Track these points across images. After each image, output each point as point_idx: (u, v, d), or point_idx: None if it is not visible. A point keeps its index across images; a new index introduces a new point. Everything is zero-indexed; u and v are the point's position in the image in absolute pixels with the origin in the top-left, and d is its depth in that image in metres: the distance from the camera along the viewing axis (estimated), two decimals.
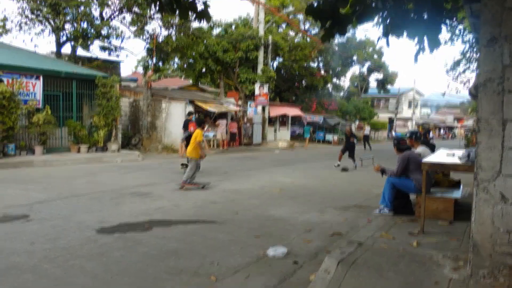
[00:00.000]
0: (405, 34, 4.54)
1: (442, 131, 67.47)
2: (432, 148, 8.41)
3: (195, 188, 9.59)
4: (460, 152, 6.21)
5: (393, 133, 48.10)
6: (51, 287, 3.91)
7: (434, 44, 4.29)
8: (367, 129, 32.03)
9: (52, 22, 19.92)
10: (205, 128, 10.74)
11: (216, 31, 29.39)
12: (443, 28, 5.70)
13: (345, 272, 4.08)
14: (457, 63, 19.12)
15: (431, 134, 31.35)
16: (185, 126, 17.14)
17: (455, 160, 5.85)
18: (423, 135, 18.03)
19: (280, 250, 5.08)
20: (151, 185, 9.82)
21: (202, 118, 11.45)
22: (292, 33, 34.52)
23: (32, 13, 19.48)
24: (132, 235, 5.68)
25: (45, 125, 14.15)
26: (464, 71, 19.19)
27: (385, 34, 4.64)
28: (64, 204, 7.50)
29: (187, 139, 12.57)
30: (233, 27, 31.10)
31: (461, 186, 7.55)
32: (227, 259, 4.85)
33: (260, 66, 27.82)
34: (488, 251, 3.66)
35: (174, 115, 20.27)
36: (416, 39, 4.49)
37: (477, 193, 3.69)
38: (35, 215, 6.59)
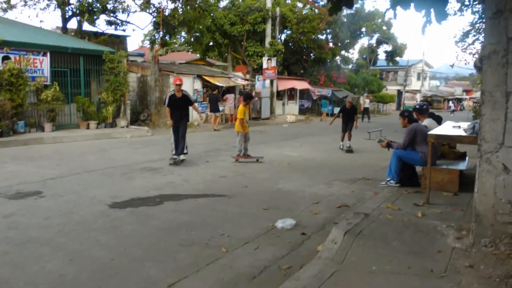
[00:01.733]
0: (412, 6, 4.52)
1: (450, 103, 66.77)
2: (439, 121, 8.40)
3: (249, 160, 10.04)
4: (466, 125, 6.24)
5: (401, 106, 47.73)
6: (68, 259, 4.08)
7: (441, 16, 4.27)
8: (367, 102, 31.99)
9: None
10: (249, 104, 10.62)
11: (223, 3, 29.05)
12: None
13: (351, 242, 4.20)
14: (466, 34, 18.80)
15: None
16: (212, 100, 18.00)
17: (461, 132, 5.89)
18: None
19: (288, 222, 5.21)
20: (161, 160, 9.96)
21: (250, 93, 11.47)
22: (300, 5, 34.00)
23: None
24: (144, 209, 5.84)
25: (53, 102, 14.27)
26: (473, 42, 18.89)
27: (393, 6, 4.62)
28: (76, 180, 7.68)
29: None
30: None
31: (467, 158, 7.60)
32: (237, 231, 5.00)
33: (267, 39, 27.56)
34: (490, 221, 3.75)
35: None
36: (423, 12, 4.47)
37: (480, 164, 3.75)
38: (48, 191, 6.77)
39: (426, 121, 7.56)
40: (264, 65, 26.73)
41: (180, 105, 9.46)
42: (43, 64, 14.55)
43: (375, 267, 3.67)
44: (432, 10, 4.38)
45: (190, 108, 9.85)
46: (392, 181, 7.05)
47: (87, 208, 5.85)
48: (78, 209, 5.82)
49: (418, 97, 56.90)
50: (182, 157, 9.58)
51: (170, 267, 3.96)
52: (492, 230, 3.77)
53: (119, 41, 23.03)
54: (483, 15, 15.29)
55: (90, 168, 8.88)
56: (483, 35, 17.47)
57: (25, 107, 13.65)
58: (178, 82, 9.53)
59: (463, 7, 16.13)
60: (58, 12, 20.88)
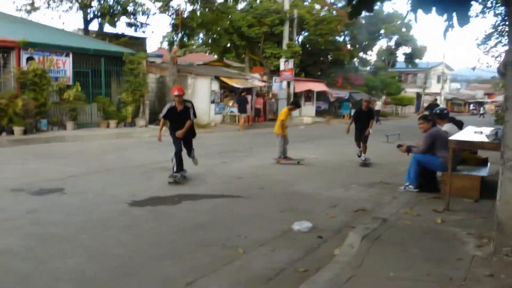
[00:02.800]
0: (433, 9, 4.48)
1: (471, 106, 65.67)
2: (460, 126, 8.29)
3: (289, 163, 10.03)
4: (487, 130, 6.15)
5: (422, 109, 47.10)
6: (88, 256, 4.16)
7: (464, 21, 4.22)
8: (378, 104, 31.84)
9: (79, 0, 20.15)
10: (293, 110, 10.80)
11: (241, 5, 29.13)
12: (474, 1, 5.57)
13: (369, 247, 4.19)
14: (488, 37, 18.45)
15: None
16: (240, 102, 19.96)
17: (482, 138, 5.81)
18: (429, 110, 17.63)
19: (305, 225, 5.21)
20: None
21: (298, 101, 11.31)
22: (318, 7, 33.88)
23: None
24: (163, 208, 5.91)
25: (75, 101, 14.55)
26: (495, 45, 18.53)
27: (413, 9, 4.58)
28: (97, 178, 7.81)
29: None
30: (258, 1, 30.73)
31: (489, 164, 7.49)
32: (254, 232, 5.02)
33: (285, 41, 27.55)
34: None
35: (199, 91, 20.45)
36: (445, 16, 4.43)
37: (503, 172, 3.71)
38: (70, 189, 6.90)
39: (447, 126, 7.47)
40: (281, 67, 26.71)
41: (181, 119, 7.69)
42: (65, 65, 14.84)
43: (392, 273, 3.65)
44: (454, 14, 4.34)
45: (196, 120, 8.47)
46: (411, 186, 6.98)
47: (107, 206, 5.94)
48: (99, 207, 5.92)
49: (438, 100, 56.08)
50: (178, 176, 7.71)
51: (188, 266, 4.01)
52: None
53: (138, 43, 23.31)
54: (505, 18, 15.03)
55: (110, 166, 9.01)
56: (505, 37, 17.19)
57: (48, 106, 13.94)
58: (177, 93, 7.55)
59: (485, 9, 15.85)
60: (80, 14, 21.28)
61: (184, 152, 8.01)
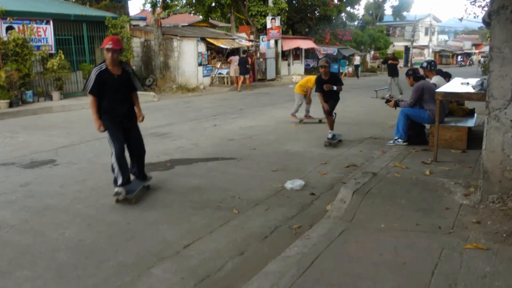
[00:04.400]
0: None
1: (459, 58, 65.48)
2: (448, 77, 8.32)
3: (311, 121, 10.31)
4: (474, 81, 6.19)
5: (410, 63, 46.95)
6: (86, 224, 4.23)
7: None
8: (357, 59, 31.78)
9: None
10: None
11: None
12: None
13: (360, 201, 4.29)
14: None
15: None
16: (241, 63, 20.02)
17: (469, 89, 5.85)
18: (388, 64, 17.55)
19: (297, 183, 5.30)
20: (169, 125, 10.04)
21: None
22: None
23: None
24: (156, 174, 5.94)
25: (60, 70, 14.24)
26: None
27: None
28: (88, 148, 7.79)
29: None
30: None
31: (475, 115, 7.58)
32: (247, 193, 5.11)
33: None
34: (498, 177, 3.80)
35: (186, 54, 20.12)
36: None
37: (488, 121, 3.77)
38: (61, 160, 6.90)
39: (435, 79, 7.50)
40: (268, 25, 26.23)
41: (121, 90, 4.89)
42: (46, 33, 14.43)
43: (383, 225, 3.77)
44: None
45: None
46: (399, 140, 7.07)
47: (100, 175, 5.97)
48: (92, 176, 5.95)
49: (426, 52, 55.86)
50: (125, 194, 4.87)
51: (184, 229, 4.10)
52: (499, 186, 3.82)
53: (120, 6, 22.57)
54: None
55: (100, 135, 8.84)
56: None
57: (32, 77, 13.66)
58: (109, 46, 4.71)
59: None
60: None
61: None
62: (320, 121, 10.23)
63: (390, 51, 19.42)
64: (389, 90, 16.73)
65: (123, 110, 4.91)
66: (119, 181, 4.80)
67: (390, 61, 17.29)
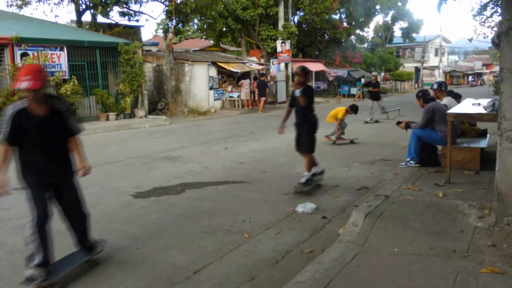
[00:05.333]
0: None
1: (470, 78, 65.30)
2: (458, 98, 8.28)
3: (344, 142, 10.54)
4: (485, 102, 6.14)
5: (420, 84, 46.86)
6: None
7: None
8: (361, 80, 31.72)
9: None
10: (349, 114, 10.85)
11: None
12: None
13: (372, 224, 4.23)
14: (484, 7, 18.25)
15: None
16: (260, 86, 20.88)
17: (480, 110, 5.81)
18: (368, 86, 17.06)
19: (308, 206, 5.26)
20: (180, 149, 10.09)
21: (357, 107, 10.96)
22: None
23: None
24: (166, 198, 5.95)
25: (73, 96, 14.47)
26: (491, 15, 18.33)
27: None
28: (100, 171, 7.84)
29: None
30: None
31: (488, 135, 7.49)
32: (258, 217, 5.07)
33: (281, 22, 27.29)
34: None
35: (197, 78, 20.37)
36: None
37: (501, 142, 3.72)
38: None
39: (446, 100, 7.46)
40: (278, 49, 26.52)
41: (45, 135, 3.63)
42: (60, 59, 14.74)
43: (396, 249, 3.70)
44: None
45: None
46: (412, 162, 7.01)
47: (111, 199, 5.99)
48: (103, 199, 5.97)
49: (437, 73, 55.82)
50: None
51: (194, 254, 4.07)
52: None
53: (133, 32, 23.14)
54: None
55: (112, 159, 9.05)
56: (501, 7, 16.96)
57: None
58: (26, 85, 3.35)
59: None
60: (72, 6, 21.04)
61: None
62: (351, 141, 10.51)
63: (374, 73, 18.81)
64: (370, 114, 15.71)
65: (51, 163, 3.66)
66: (36, 260, 3.49)
67: (370, 88, 16.79)
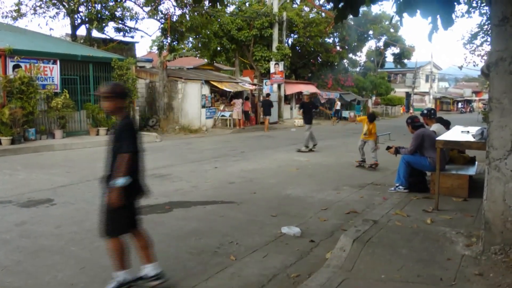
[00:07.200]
0: (418, 12, 4.52)
1: (460, 104, 66.26)
2: (448, 125, 8.37)
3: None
4: (474, 129, 6.21)
5: (411, 109, 47.40)
6: (79, 268, 4.13)
7: (448, 23, 4.26)
8: (338, 104, 32.10)
9: (66, 5, 20.05)
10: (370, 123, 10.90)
11: (230, 9, 29.16)
12: (457, 3, 5.62)
13: (360, 250, 4.20)
14: (474, 36, 18.70)
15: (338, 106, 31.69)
16: (265, 105, 21.59)
17: (469, 137, 5.87)
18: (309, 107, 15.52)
19: (294, 231, 5.21)
20: (170, 167, 10.03)
21: (375, 115, 11.12)
22: (306, 9, 34.03)
23: None
24: (153, 217, 5.88)
25: (63, 109, 14.42)
26: (481, 44, 18.77)
27: (399, 12, 4.64)
28: (87, 188, 7.75)
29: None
30: (247, 4, 30.80)
31: (476, 163, 7.56)
32: (246, 239, 5.02)
33: (275, 44, 27.63)
34: (500, 228, 3.74)
35: (190, 96, 20.41)
36: (429, 19, 4.47)
37: (489, 171, 3.75)
38: (59, 199, 6.84)
39: (435, 126, 7.54)
40: (272, 70, 26.79)
41: None
42: (53, 72, 14.72)
43: (384, 275, 3.67)
44: (438, 16, 4.39)
45: None
46: (401, 187, 7.03)
47: (97, 216, 5.88)
48: (89, 217, 5.86)
49: (427, 99, 56.58)
50: None
51: (179, 275, 4.00)
52: (501, 237, 3.75)
53: (127, 48, 23.22)
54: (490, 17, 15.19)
55: (100, 175, 8.93)
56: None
57: (35, 115, 13.80)
58: None
59: (470, 9, 16.04)
60: (68, 20, 21.14)
61: None
62: (371, 166, 10.27)
63: (305, 92, 15.13)
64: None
65: None
66: None
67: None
